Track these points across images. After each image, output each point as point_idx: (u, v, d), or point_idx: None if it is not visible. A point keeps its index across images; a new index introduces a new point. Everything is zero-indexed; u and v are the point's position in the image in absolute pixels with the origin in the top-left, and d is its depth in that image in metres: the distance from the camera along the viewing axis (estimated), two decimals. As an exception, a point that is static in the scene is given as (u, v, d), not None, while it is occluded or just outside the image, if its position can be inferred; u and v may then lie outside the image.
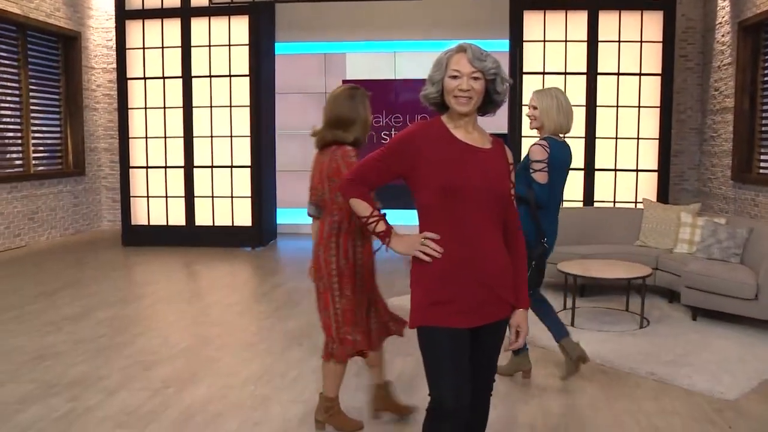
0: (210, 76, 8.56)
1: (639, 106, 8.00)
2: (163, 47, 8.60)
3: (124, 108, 8.70)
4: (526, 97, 5.70)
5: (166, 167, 8.74)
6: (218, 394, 3.85)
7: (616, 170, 8.11)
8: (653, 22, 7.98)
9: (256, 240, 8.67)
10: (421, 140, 2.24)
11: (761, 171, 7.33)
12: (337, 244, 3.19)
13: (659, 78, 7.98)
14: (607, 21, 7.99)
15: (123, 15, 8.68)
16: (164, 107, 8.65)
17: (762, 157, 7.35)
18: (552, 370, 4.23)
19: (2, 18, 8.10)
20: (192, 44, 8.53)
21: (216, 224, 8.73)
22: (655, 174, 8.09)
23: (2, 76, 8.31)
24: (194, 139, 8.65)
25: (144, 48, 8.65)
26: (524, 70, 8.04)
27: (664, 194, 8.03)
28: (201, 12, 8.52)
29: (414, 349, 4.58)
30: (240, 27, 8.48)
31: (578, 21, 8.01)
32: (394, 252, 2.30)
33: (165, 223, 8.79)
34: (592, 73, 7.98)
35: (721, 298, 5.06)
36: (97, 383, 4.01)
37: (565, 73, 8.05)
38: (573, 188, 8.12)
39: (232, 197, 8.68)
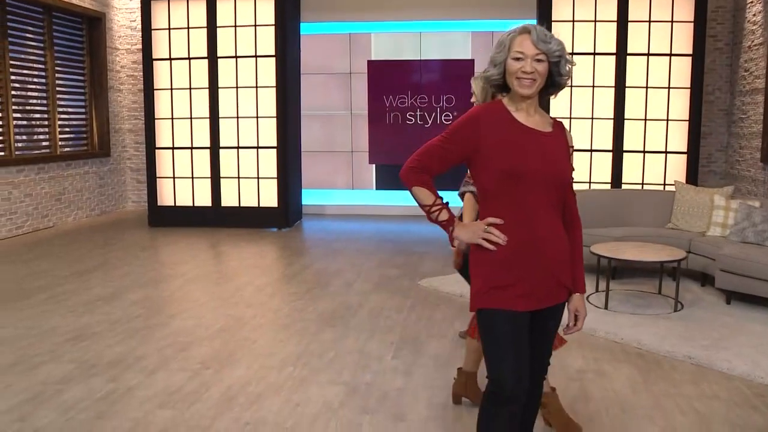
0: (236, 57, 8.54)
1: (669, 87, 7.91)
2: (189, 27, 8.58)
3: (149, 89, 8.71)
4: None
5: (192, 148, 8.76)
6: (257, 376, 3.88)
7: (644, 152, 8.04)
8: (684, 2, 7.85)
9: (282, 221, 8.69)
10: (483, 123, 2.21)
11: (793, 153, 7.23)
12: None
13: (690, 59, 7.86)
14: (638, 0, 7.87)
15: (149, -4, 8.67)
16: (190, 88, 8.65)
17: (794, 139, 7.25)
18: (590, 353, 4.22)
19: (29, 0, 8.12)
20: (218, 25, 8.50)
21: (242, 205, 8.76)
22: (684, 156, 8.00)
23: (30, 58, 8.35)
24: (220, 120, 8.65)
25: (170, 29, 8.63)
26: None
27: (693, 177, 7.95)
28: (226, -8, 8.49)
29: (449, 331, 4.63)
30: (266, 7, 8.44)
31: (608, 0, 7.90)
32: (459, 240, 2.28)
33: (191, 204, 8.83)
34: (621, 54, 7.89)
35: (757, 281, 5.01)
36: (135, 364, 4.05)
37: (594, 54, 7.96)
38: (601, 170, 8.07)
39: (258, 178, 8.70)
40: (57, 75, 8.83)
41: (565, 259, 2.28)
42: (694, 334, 4.55)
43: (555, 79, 2.22)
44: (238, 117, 8.64)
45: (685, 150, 7.99)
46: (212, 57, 8.55)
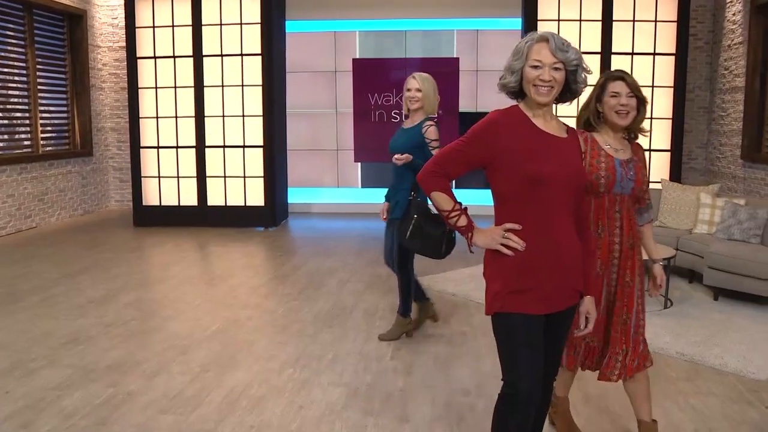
0: (221, 55, 8.49)
1: (653, 86, 8.02)
2: (173, 26, 8.51)
3: (134, 88, 8.63)
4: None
5: (177, 147, 8.70)
6: (258, 378, 3.88)
7: (628, 150, 8.13)
8: (668, 1, 7.97)
9: (269, 220, 8.68)
10: (502, 128, 2.23)
11: (773, 150, 7.38)
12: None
13: (673, 58, 7.98)
14: (622, 0, 7.97)
15: (132, -6, 8.59)
16: (175, 86, 8.59)
17: (773, 136, 7.40)
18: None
19: (10, -4, 8.01)
20: (203, 23, 8.45)
21: (228, 204, 8.72)
22: (668, 154, 8.12)
23: (10, 56, 8.23)
24: (206, 118, 8.60)
25: (154, 27, 8.56)
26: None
27: (676, 174, 8.08)
28: (211, -10, 8.44)
29: (445, 330, 4.67)
30: (252, 5, 8.40)
31: (593, 0, 7.98)
32: (477, 246, 2.31)
33: (177, 204, 8.77)
34: (606, 53, 7.98)
35: (744, 278, 5.13)
36: (135, 368, 4.03)
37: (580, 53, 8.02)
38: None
39: (244, 177, 8.67)
40: (38, 73, 8.71)
41: (579, 263, 2.33)
42: (685, 330, 4.64)
43: (571, 86, 2.25)
44: (224, 116, 8.60)
45: (669, 148, 8.11)
46: (197, 55, 8.50)
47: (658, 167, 8.13)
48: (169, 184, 8.78)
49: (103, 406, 3.51)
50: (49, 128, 8.98)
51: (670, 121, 8.08)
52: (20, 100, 8.44)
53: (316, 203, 10.03)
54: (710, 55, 8.85)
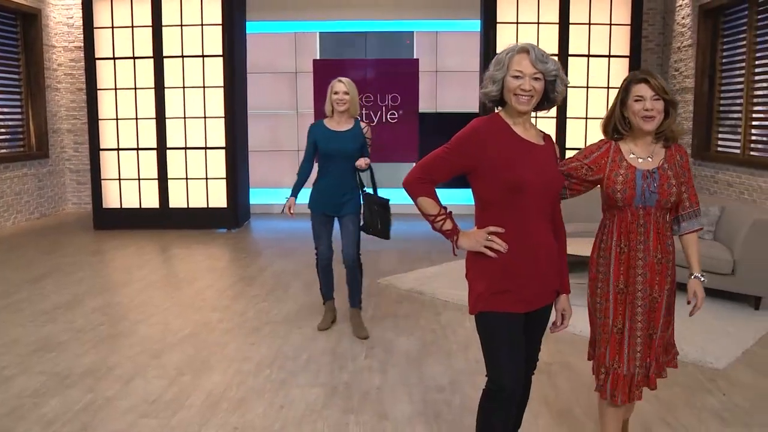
0: (182, 57, 8.43)
1: (608, 87, 8.27)
2: (133, 26, 8.41)
3: (92, 89, 8.49)
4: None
5: (138, 149, 8.60)
6: (235, 380, 3.92)
7: (585, 149, 8.37)
8: (621, 5, 8.22)
9: (231, 221, 8.65)
10: (485, 135, 2.34)
11: (719, 149, 7.69)
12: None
13: (627, 60, 8.24)
14: (578, 3, 8.19)
15: (89, -7, 8.45)
16: (135, 88, 8.49)
17: (720, 136, 7.72)
18: (556, 347, 4.43)
19: (-38, -4, 7.82)
20: (163, 24, 8.37)
21: (190, 206, 8.67)
22: (622, 153, 8.38)
23: (-37, 56, 8.03)
24: (167, 120, 8.52)
25: (113, 27, 8.44)
26: (497, 51, 8.17)
27: (630, 172, 8.33)
28: (171, -10, 8.36)
29: (416, 328, 4.77)
30: (213, 6, 8.36)
31: (550, 3, 8.19)
32: (461, 248, 2.41)
33: (138, 206, 8.67)
34: (563, 55, 8.19)
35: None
36: (109, 373, 4.02)
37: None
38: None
39: (206, 179, 8.62)
40: (-9, 74, 8.52)
41: (556, 264, 2.46)
42: (645, 324, 4.83)
43: (549, 96, 2.38)
44: (185, 117, 8.54)
45: (623, 147, 8.37)
46: (158, 56, 8.41)
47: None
48: (129, 187, 8.67)
49: (83, 412, 3.50)
50: (2, 130, 8.79)
51: (625, 121, 8.32)
52: (-27, 101, 8.25)
53: (277, 204, 10.01)
54: (661, 57, 9.16)
